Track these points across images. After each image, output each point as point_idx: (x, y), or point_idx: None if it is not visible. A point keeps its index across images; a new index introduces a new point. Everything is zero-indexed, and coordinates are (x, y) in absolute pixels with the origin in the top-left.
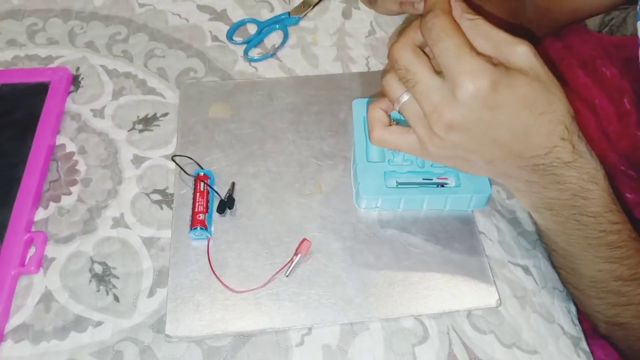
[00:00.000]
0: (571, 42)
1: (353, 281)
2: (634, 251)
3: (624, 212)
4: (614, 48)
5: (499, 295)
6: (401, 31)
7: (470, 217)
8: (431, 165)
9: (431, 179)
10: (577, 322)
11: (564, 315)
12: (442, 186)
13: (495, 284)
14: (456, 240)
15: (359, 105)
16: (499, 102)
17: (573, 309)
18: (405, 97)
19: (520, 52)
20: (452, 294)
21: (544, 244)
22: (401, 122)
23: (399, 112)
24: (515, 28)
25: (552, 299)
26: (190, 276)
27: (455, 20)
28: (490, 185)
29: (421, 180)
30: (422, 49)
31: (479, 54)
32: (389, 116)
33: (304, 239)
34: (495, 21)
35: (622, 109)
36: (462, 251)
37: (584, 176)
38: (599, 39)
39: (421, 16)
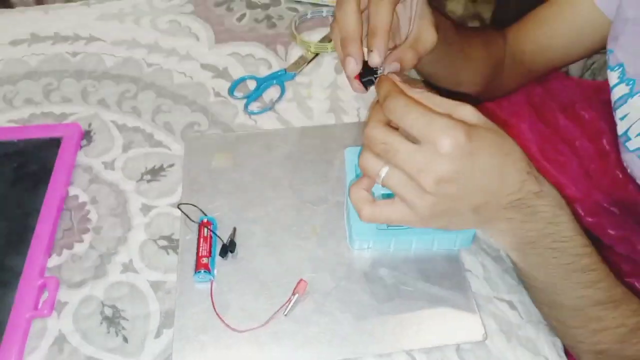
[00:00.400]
0: (551, 87)
1: (348, 319)
2: (605, 274)
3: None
4: (592, 92)
5: (484, 330)
6: (372, 107)
7: (456, 255)
8: None
9: None
10: (562, 354)
11: (549, 348)
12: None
13: (481, 318)
14: (444, 277)
15: (351, 153)
16: (475, 149)
17: (558, 342)
18: (386, 170)
19: (468, 112)
20: (441, 329)
21: (524, 282)
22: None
23: (382, 185)
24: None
25: (537, 332)
26: (195, 317)
27: (411, 96)
28: None
29: None
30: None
31: (443, 114)
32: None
33: (301, 280)
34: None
35: (601, 149)
36: (449, 288)
37: (552, 202)
38: (577, 83)
39: (378, 102)
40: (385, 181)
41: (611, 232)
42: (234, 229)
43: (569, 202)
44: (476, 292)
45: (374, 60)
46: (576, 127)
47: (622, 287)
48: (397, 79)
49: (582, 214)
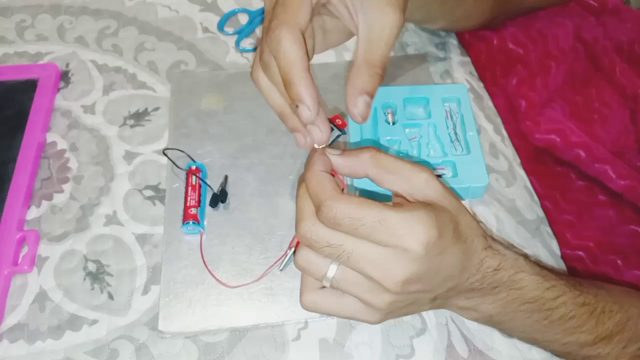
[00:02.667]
0: (607, 21)
1: None
2: (587, 316)
3: (558, 276)
4: None
5: None
6: (299, 194)
7: (467, 206)
8: (427, 156)
9: None
10: None
11: None
12: (439, 177)
13: None
14: None
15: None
16: (445, 245)
17: None
18: (334, 269)
19: (428, 181)
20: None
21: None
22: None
23: (330, 287)
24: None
25: None
26: (183, 271)
27: (351, 196)
28: (488, 174)
29: None
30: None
31: (398, 207)
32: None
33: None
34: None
35: None
36: None
37: (511, 270)
38: (638, 17)
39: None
40: (336, 283)
41: None
42: (226, 177)
43: (599, 162)
44: None
45: (305, 115)
46: (633, 72)
47: (614, 318)
48: (334, 152)
49: (614, 176)
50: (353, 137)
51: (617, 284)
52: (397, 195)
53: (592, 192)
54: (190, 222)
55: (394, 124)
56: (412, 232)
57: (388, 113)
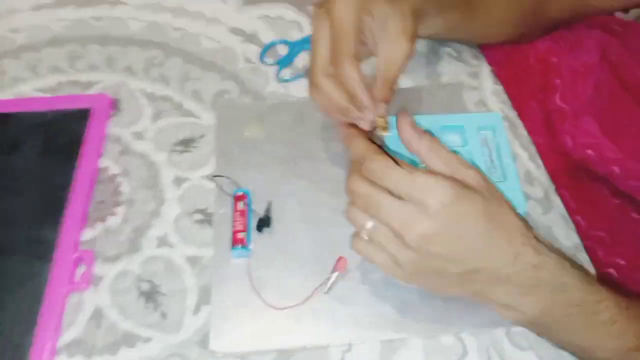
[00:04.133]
0: (629, 41)
1: (391, 297)
2: (632, 319)
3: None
4: None
5: None
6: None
7: None
8: None
9: None
10: None
11: None
12: None
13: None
14: None
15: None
16: (463, 213)
17: None
18: (370, 224)
19: (473, 175)
20: (491, 310)
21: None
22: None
23: (368, 239)
24: None
25: None
26: (232, 293)
27: (388, 156)
28: (526, 200)
29: None
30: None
31: (430, 172)
32: None
33: (341, 257)
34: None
35: None
36: None
37: (556, 272)
38: None
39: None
40: (370, 236)
41: None
42: (270, 203)
43: (633, 178)
44: None
45: (367, 125)
46: None
47: None
48: (407, 121)
49: None
50: None
51: None
52: None
53: (625, 210)
54: (239, 246)
55: None
56: (431, 190)
57: None
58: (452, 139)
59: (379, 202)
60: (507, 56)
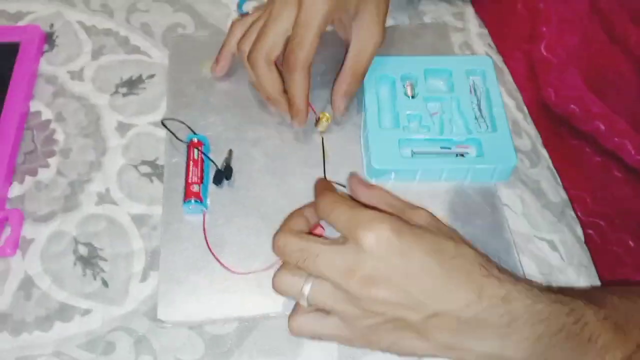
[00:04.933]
0: None
1: None
2: (613, 330)
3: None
4: None
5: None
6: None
7: (492, 189)
8: (450, 133)
9: (449, 148)
10: None
11: None
12: (462, 156)
13: (521, 266)
14: (478, 215)
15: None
16: (407, 247)
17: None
18: (307, 286)
19: (423, 214)
20: None
21: None
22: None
23: (309, 305)
24: None
25: (578, 276)
26: (185, 255)
27: (340, 195)
28: (516, 154)
29: (439, 150)
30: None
31: (371, 209)
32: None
33: (317, 226)
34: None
35: None
36: (484, 228)
37: (527, 301)
38: None
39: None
40: (311, 298)
41: None
42: (230, 152)
43: (619, 135)
44: (514, 230)
45: (295, 126)
46: None
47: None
48: (357, 179)
49: (633, 152)
50: (370, 110)
51: (628, 263)
52: None
53: (608, 168)
54: (192, 200)
55: (413, 97)
56: (367, 224)
57: (407, 85)
58: (437, 85)
59: (314, 252)
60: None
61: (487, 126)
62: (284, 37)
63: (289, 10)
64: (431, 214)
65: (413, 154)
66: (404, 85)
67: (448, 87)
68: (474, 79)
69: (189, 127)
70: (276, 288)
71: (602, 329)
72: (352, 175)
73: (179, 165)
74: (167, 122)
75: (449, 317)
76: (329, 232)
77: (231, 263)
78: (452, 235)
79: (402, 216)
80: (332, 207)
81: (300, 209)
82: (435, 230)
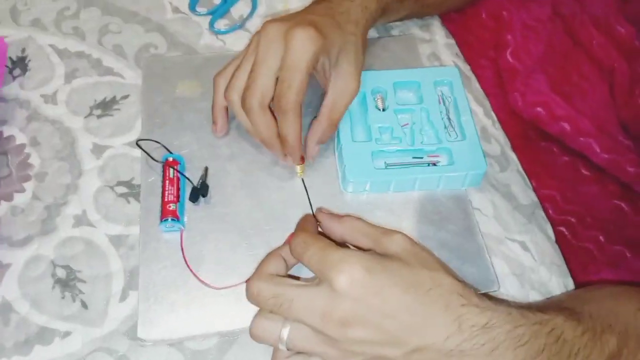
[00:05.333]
0: None
1: None
2: (591, 343)
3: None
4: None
5: (497, 280)
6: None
7: (463, 194)
8: (421, 143)
9: (421, 158)
10: None
11: (561, 291)
12: (434, 165)
13: (492, 267)
14: (450, 220)
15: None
16: (381, 285)
17: (571, 284)
18: (285, 331)
19: (396, 239)
20: None
21: None
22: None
23: (289, 350)
24: None
25: (550, 274)
26: (163, 273)
27: (314, 234)
28: (485, 160)
29: (411, 160)
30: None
31: (344, 247)
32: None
33: (292, 235)
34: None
35: (636, 74)
36: (457, 232)
37: (508, 326)
38: None
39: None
40: (290, 343)
41: (630, 169)
42: (206, 169)
43: (584, 135)
44: (486, 233)
45: (289, 164)
46: (611, 45)
47: (615, 331)
48: (325, 214)
49: (598, 150)
50: (342, 124)
51: (600, 259)
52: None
53: (575, 167)
54: (169, 219)
55: (384, 110)
56: (337, 266)
57: (378, 98)
58: (406, 97)
59: (288, 297)
60: (458, 12)
61: (457, 135)
62: (274, 79)
63: (275, 51)
64: (406, 236)
65: (387, 165)
66: (374, 99)
67: (417, 99)
68: (441, 89)
69: (164, 147)
70: (253, 335)
71: (580, 344)
72: (320, 211)
73: (155, 184)
74: (142, 143)
75: (431, 351)
76: None
77: (209, 279)
78: (428, 260)
79: (378, 245)
80: (303, 248)
81: (276, 249)
82: (410, 259)
